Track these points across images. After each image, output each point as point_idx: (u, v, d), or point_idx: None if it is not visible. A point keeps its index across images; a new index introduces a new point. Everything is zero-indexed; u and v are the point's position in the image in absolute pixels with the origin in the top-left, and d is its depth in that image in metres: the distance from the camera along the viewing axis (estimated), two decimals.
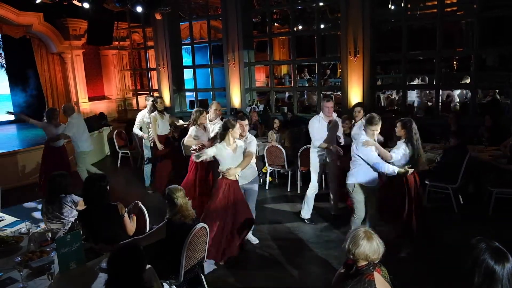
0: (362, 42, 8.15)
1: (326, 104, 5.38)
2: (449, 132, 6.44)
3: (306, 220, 5.72)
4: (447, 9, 8.63)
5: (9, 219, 4.21)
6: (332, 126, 5.44)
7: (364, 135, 4.43)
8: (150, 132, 7.27)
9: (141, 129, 7.78)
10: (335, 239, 5.15)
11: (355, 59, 8.26)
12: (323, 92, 10.24)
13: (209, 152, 4.64)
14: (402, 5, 8.63)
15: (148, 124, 7.39)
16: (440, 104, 8.72)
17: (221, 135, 4.65)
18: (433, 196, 6.12)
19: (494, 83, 11.41)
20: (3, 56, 12.19)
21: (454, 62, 14.93)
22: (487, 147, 6.43)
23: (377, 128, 4.41)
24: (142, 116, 7.65)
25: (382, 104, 11.33)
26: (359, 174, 4.48)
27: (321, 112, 5.48)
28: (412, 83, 11.55)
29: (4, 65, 12.23)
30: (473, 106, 7.95)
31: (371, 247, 2.46)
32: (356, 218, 4.59)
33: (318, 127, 5.40)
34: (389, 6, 10.86)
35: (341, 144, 5.64)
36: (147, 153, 7.65)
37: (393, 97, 11.40)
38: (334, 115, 5.55)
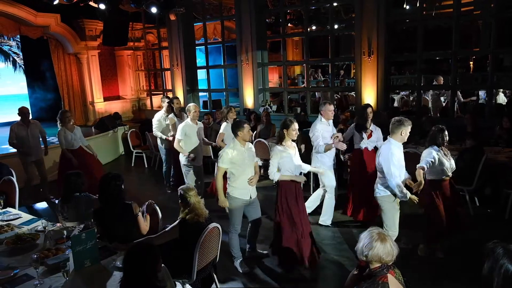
0: (377, 42, 8.08)
1: (329, 108, 5.37)
2: (465, 133, 6.34)
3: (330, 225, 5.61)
4: (463, 8, 8.49)
5: (25, 216, 4.28)
6: (332, 128, 5.52)
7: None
8: (170, 133, 7.16)
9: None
10: (349, 240, 5.11)
11: (369, 59, 8.20)
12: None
13: (274, 163, 4.32)
14: (418, 5, 8.52)
15: (167, 125, 7.27)
16: (456, 105, 8.59)
17: (279, 136, 4.45)
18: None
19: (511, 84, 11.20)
20: (21, 56, 12.41)
21: (471, 63, 14.68)
22: (504, 149, 6.30)
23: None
24: (159, 118, 7.43)
25: (396, 105, 11.20)
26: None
27: (320, 116, 5.43)
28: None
29: (22, 66, 12.46)
30: (489, 107, 7.81)
31: (384, 249, 2.43)
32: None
33: (324, 131, 5.37)
34: (404, 6, 10.73)
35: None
36: (162, 154, 7.54)
37: (408, 98, 11.26)
38: None
